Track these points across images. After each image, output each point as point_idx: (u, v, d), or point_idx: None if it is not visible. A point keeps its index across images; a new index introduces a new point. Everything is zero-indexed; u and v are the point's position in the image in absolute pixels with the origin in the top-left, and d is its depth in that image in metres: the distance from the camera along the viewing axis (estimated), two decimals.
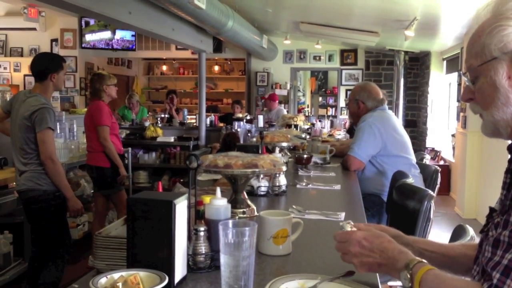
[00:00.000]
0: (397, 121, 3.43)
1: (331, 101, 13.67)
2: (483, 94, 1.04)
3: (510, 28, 0.99)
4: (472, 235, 1.55)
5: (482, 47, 1.02)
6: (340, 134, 5.69)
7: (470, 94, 1.08)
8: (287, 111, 9.25)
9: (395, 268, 1.05)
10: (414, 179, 2.73)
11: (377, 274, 1.28)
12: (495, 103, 1.02)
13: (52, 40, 9.31)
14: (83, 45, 9.10)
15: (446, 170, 7.56)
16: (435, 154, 8.27)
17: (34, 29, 8.96)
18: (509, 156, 1.10)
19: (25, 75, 9.18)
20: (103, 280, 1.04)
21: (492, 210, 1.09)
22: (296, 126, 4.58)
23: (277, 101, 8.20)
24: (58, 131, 4.21)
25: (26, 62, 8.92)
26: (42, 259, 3.24)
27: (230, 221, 1.10)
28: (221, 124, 7.69)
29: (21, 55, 9.42)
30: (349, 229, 1.19)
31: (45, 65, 3.18)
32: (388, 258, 1.07)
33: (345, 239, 1.13)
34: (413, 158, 3.25)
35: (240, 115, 7.75)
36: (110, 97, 4.32)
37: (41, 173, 3.11)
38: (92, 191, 4.73)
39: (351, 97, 3.47)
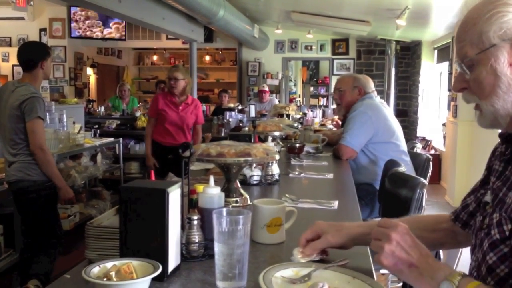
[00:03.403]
0: (386, 108, 3.45)
1: (322, 90, 13.67)
2: (482, 83, 0.99)
3: (510, 14, 0.96)
4: None
5: (479, 34, 0.98)
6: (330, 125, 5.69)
7: (464, 84, 1.04)
8: (279, 101, 9.24)
9: (432, 277, 0.94)
10: (406, 166, 2.74)
11: (371, 262, 1.28)
12: (495, 91, 0.98)
13: (40, 30, 9.19)
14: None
15: (437, 159, 7.61)
16: (426, 143, 8.31)
17: (22, 18, 8.84)
18: (497, 142, 1.10)
19: (13, 65, 9.06)
20: (95, 269, 1.03)
21: (484, 204, 1.06)
22: (288, 115, 4.56)
23: (267, 93, 8.18)
24: (48, 121, 4.16)
25: (14, 52, 8.73)
26: (33, 250, 3.22)
27: (224, 210, 1.10)
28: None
29: (9, 45, 9.29)
30: (299, 256, 1.20)
31: (34, 53, 3.15)
32: (428, 264, 0.96)
33: (389, 225, 1.03)
34: (403, 145, 3.27)
35: (232, 105, 7.71)
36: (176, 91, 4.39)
37: (30, 164, 3.08)
38: (83, 181, 4.71)
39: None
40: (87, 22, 9.06)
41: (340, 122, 5.57)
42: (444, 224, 1.27)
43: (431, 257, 0.98)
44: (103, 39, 9.28)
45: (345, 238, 1.24)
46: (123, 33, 9.29)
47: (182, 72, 4.38)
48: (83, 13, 9.00)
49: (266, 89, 7.92)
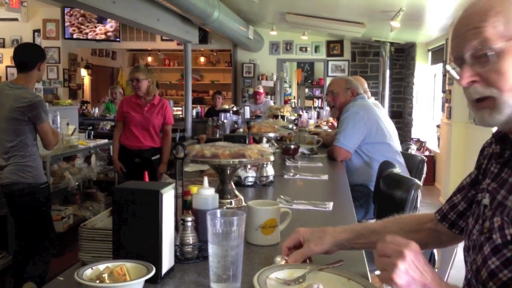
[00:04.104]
0: (381, 110, 3.47)
1: (317, 92, 13.69)
2: (505, 73, 0.93)
3: None
4: None
5: (505, 23, 0.93)
6: (325, 126, 5.70)
7: (475, 76, 0.96)
8: (274, 102, 9.23)
9: None
10: (400, 167, 2.75)
11: (366, 263, 1.28)
12: None
13: (34, 31, 9.14)
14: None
15: (431, 161, 7.63)
16: (420, 144, 8.33)
17: (16, 19, 8.79)
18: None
19: (7, 67, 9.01)
20: (88, 271, 1.02)
21: (484, 207, 1.03)
22: (283, 117, 4.56)
23: (262, 95, 8.16)
24: None
25: (8, 53, 8.76)
26: (27, 253, 3.19)
27: (218, 211, 1.09)
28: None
29: (3, 46, 9.24)
30: (282, 263, 1.18)
31: (32, 55, 3.16)
32: (441, 286, 0.91)
33: (400, 242, 0.93)
34: (397, 146, 3.28)
35: (227, 106, 7.71)
36: (139, 92, 4.29)
37: (25, 166, 3.06)
38: (77, 183, 4.69)
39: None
40: (80, 18, 9.02)
41: (336, 124, 5.57)
42: (427, 224, 1.26)
43: (442, 280, 0.94)
44: (97, 40, 9.25)
45: (328, 245, 1.21)
46: (118, 32, 9.26)
47: (144, 72, 4.27)
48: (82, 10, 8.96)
49: (261, 90, 7.90)
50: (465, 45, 0.97)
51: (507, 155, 1.02)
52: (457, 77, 1.01)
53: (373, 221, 2.98)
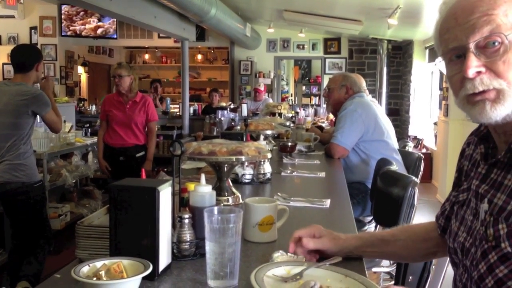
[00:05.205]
0: (378, 107, 3.47)
1: (314, 90, 13.70)
2: None
3: None
4: None
5: None
6: (324, 122, 5.71)
7: (481, 67, 0.91)
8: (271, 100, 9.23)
9: None
10: (397, 165, 2.75)
11: (364, 260, 1.28)
12: None
13: (31, 28, 9.11)
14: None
15: (428, 158, 7.64)
16: (418, 142, 8.35)
17: (13, 16, 8.75)
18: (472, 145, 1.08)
19: (4, 64, 8.98)
20: (85, 269, 1.02)
21: (484, 213, 0.98)
22: (280, 114, 4.57)
23: (261, 93, 8.15)
24: (38, 120, 4.13)
25: (4, 51, 8.72)
26: (23, 251, 3.18)
27: (215, 208, 1.09)
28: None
29: None
30: (280, 259, 1.18)
31: (30, 57, 3.21)
32: None
33: None
34: (395, 143, 3.28)
35: (224, 104, 7.70)
36: (121, 89, 4.25)
37: (18, 165, 3.05)
38: (74, 181, 4.69)
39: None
40: (81, 14, 8.98)
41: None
42: (434, 232, 1.24)
43: None
44: (94, 37, 9.22)
45: (339, 247, 1.24)
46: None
47: (126, 68, 4.23)
48: None
49: (262, 88, 7.87)
50: (471, 33, 0.91)
51: (500, 156, 0.98)
52: (445, 70, 0.98)
53: (370, 218, 2.99)
